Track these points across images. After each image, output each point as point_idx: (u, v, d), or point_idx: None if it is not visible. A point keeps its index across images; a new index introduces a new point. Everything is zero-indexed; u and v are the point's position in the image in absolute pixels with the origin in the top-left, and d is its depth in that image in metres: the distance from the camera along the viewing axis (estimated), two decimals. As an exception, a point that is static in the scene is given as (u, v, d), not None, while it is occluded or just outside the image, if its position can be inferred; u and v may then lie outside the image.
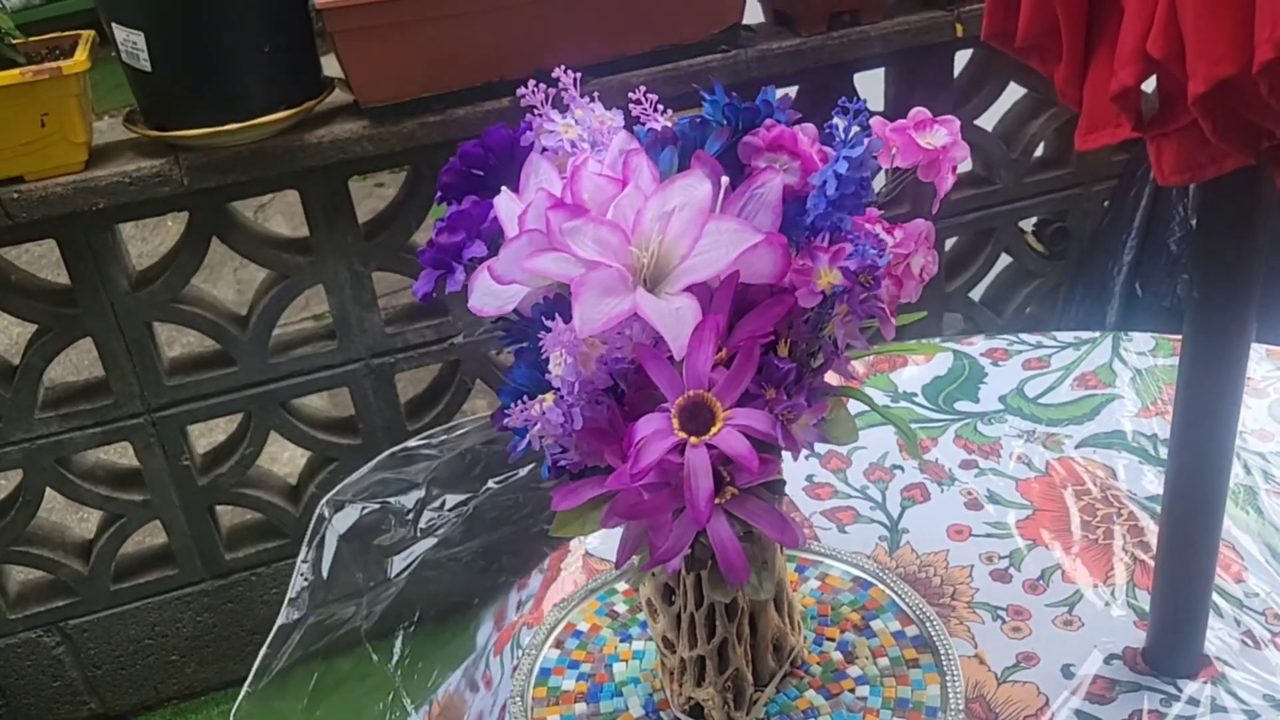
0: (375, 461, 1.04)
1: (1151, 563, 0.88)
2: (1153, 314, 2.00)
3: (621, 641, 0.90)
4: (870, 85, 1.93)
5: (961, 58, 1.98)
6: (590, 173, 0.65)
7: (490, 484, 1.02)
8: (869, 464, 1.06)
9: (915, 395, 1.15)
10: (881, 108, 1.99)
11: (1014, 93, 2.05)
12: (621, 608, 0.93)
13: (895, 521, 0.99)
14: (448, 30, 1.59)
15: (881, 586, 0.92)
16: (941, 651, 0.85)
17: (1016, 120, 2.06)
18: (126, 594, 1.91)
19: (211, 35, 1.51)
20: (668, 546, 0.62)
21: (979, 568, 0.93)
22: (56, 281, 1.77)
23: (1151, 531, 0.94)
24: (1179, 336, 0.77)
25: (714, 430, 0.59)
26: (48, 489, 1.80)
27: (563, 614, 0.93)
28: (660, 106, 0.72)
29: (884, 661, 0.85)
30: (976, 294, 2.19)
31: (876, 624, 0.88)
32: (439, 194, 0.75)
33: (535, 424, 0.63)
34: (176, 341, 2.60)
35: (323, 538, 0.96)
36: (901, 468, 1.05)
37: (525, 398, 0.64)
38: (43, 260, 3.15)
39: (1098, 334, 1.22)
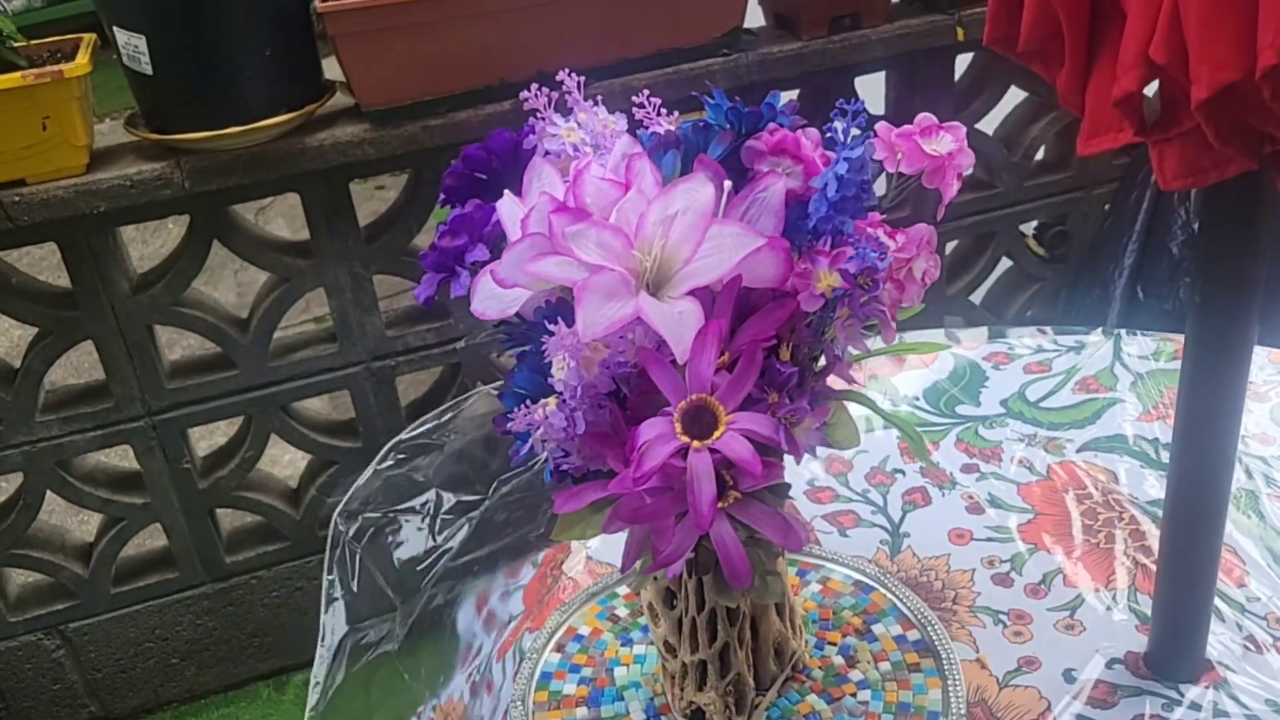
0: (377, 461, 1.04)
1: (1153, 567, 0.88)
2: (1154, 317, 2.00)
3: (623, 645, 0.90)
4: (871, 89, 1.93)
5: (962, 61, 1.98)
6: (593, 176, 0.65)
7: (499, 484, 1.02)
8: (870, 468, 1.06)
9: (916, 399, 1.15)
10: (882, 112, 1.99)
11: (1015, 96, 2.05)
12: (623, 612, 0.93)
13: (896, 525, 0.99)
14: (449, 33, 1.59)
15: (883, 591, 0.92)
16: (943, 656, 0.85)
17: (1017, 124, 2.07)
18: (127, 597, 1.91)
19: (213, 38, 1.51)
20: (670, 551, 0.62)
21: (980, 572, 0.93)
22: (57, 284, 1.77)
23: (1153, 536, 0.94)
24: (1180, 336, 0.77)
25: (716, 434, 0.59)
26: (48, 492, 1.80)
27: (564, 618, 0.93)
28: (663, 110, 0.72)
29: (885, 666, 0.85)
30: (977, 297, 2.19)
31: (878, 628, 0.88)
32: (442, 197, 0.75)
33: (538, 428, 0.63)
34: (177, 344, 2.60)
35: (344, 552, 0.96)
36: (903, 472, 1.05)
37: (528, 402, 0.64)
38: (43, 263, 3.15)
39: (1100, 332, 1.22)
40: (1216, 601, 0.83)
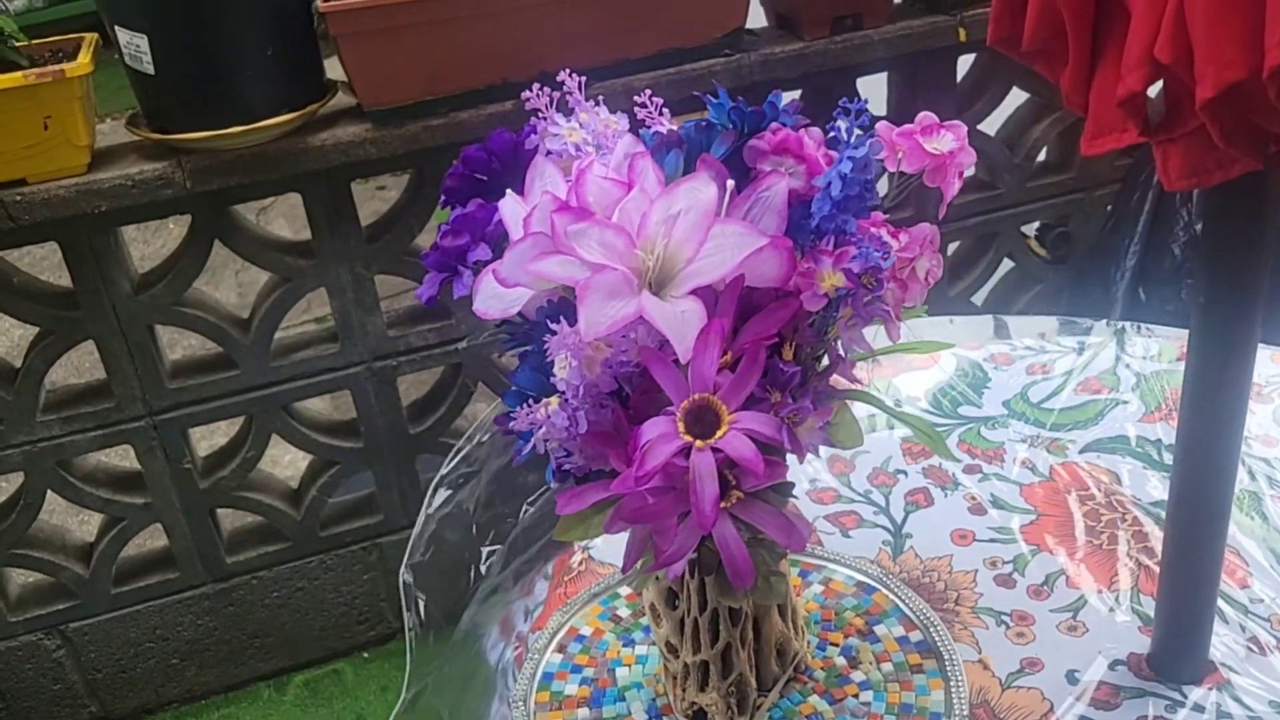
0: (425, 505, 1.04)
1: (1156, 568, 0.88)
2: (1156, 318, 1.99)
3: (624, 646, 0.90)
4: (873, 90, 1.93)
5: (964, 62, 1.98)
6: (595, 176, 0.65)
7: (526, 506, 1.03)
8: (872, 469, 1.06)
9: (919, 400, 1.15)
10: (884, 113, 1.98)
11: (1017, 97, 2.05)
12: (624, 612, 0.93)
13: (899, 526, 0.99)
14: (451, 33, 1.59)
15: (885, 591, 0.91)
16: (945, 657, 0.84)
17: (1019, 125, 2.06)
18: (127, 597, 1.91)
19: (214, 38, 1.51)
20: (673, 551, 0.62)
21: (983, 573, 0.93)
22: (58, 284, 1.77)
23: (1156, 537, 0.94)
24: (1183, 332, 0.77)
25: (719, 433, 0.59)
26: (49, 492, 1.80)
27: (565, 618, 0.93)
28: (665, 110, 0.72)
29: (888, 667, 0.84)
30: (979, 298, 2.19)
31: (880, 629, 0.88)
32: (443, 198, 0.75)
33: (540, 427, 0.63)
34: (178, 344, 2.60)
35: (415, 605, 0.96)
36: (905, 472, 1.05)
37: (530, 401, 0.63)
38: (44, 263, 3.15)
39: (1105, 322, 1.21)
40: (1219, 603, 0.82)
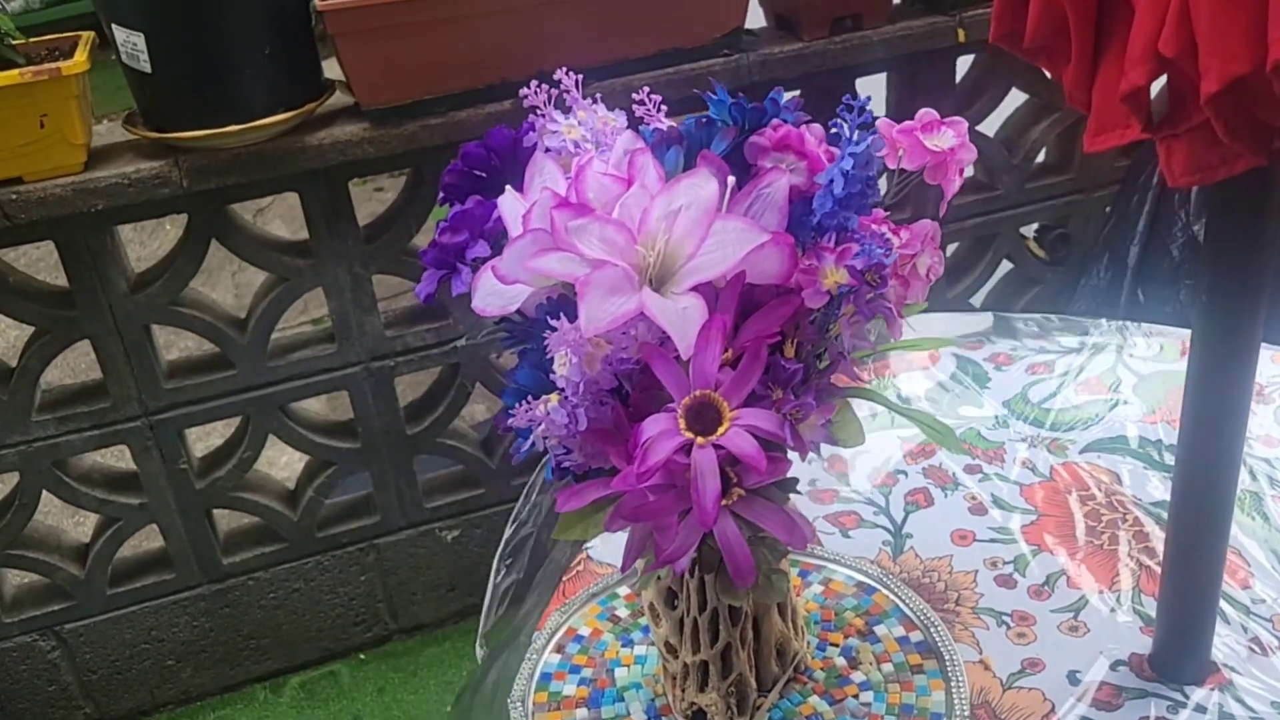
0: (493, 576, 1.04)
1: (1157, 569, 0.88)
2: (1155, 320, 1.99)
3: (623, 646, 0.89)
4: (872, 90, 1.93)
5: (963, 63, 1.98)
6: (595, 172, 0.65)
7: None
8: (872, 469, 1.06)
9: (919, 399, 1.14)
10: (883, 113, 1.98)
11: (1016, 98, 2.05)
12: (623, 612, 0.93)
13: (899, 526, 0.99)
14: (449, 33, 1.58)
15: (885, 592, 0.91)
16: (946, 657, 0.84)
17: (1018, 126, 2.06)
18: (123, 598, 1.90)
19: (212, 37, 1.51)
20: (674, 548, 0.61)
21: (983, 573, 0.93)
22: (54, 284, 1.76)
23: (1156, 537, 0.94)
24: (1184, 330, 0.76)
25: (721, 430, 0.58)
26: (44, 492, 1.79)
27: (564, 618, 0.93)
28: (664, 107, 0.72)
29: (888, 667, 0.84)
30: (978, 300, 2.19)
31: (880, 629, 0.87)
32: (441, 195, 0.75)
33: (539, 425, 0.63)
34: (175, 345, 2.60)
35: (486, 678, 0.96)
36: (905, 473, 1.05)
37: (529, 398, 0.63)
38: (41, 264, 3.14)
39: (1104, 322, 1.21)
40: (1221, 603, 0.82)
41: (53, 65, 1.48)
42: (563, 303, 0.64)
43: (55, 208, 1.55)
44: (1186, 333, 0.74)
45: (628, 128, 0.71)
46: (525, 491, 1.09)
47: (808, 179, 0.67)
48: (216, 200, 1.67)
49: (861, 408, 0.74)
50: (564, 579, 0.98)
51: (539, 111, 0.71)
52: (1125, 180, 2.06)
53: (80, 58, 1.52)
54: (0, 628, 1.85)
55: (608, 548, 0.99)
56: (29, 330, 1.74)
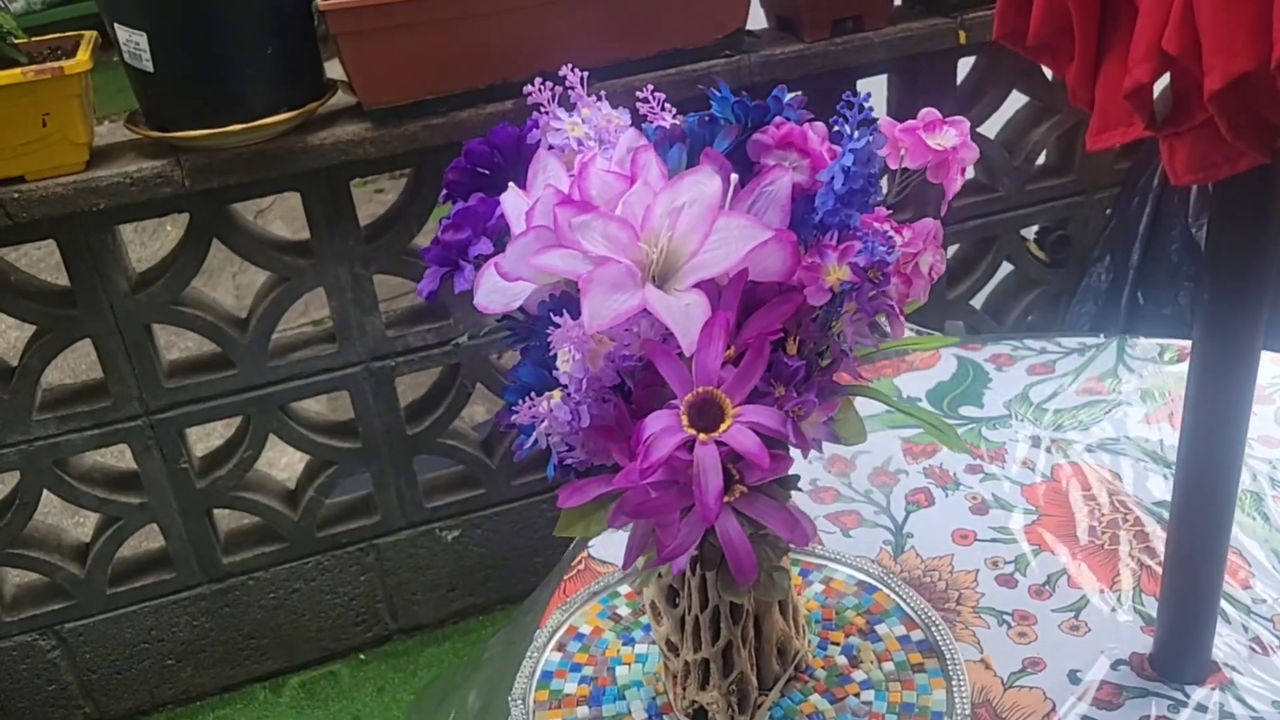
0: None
1: (1158, 569, 0.88)
2: (1155, 322, 2.00)
3: (624, 644, 0.89)
4: (873, 92, 1.93)
5: (964, 65, 1.98)
6: (598, 169, 0.65)
7: None
8: (873, 468, 1.06)
9: (920, 400, 1.14)
10: (884, 115, 1.98)
11: (1016, 100, 2.05)
12: (624, 610, 0.93)
13: (900, 526, 0.99)
14: (451, 32, 1.58)
15: (886, 591, 0.91)
16: (947, 656, 0.84)
17: (1019, 128, 2.06)
18: (123, 598, 1.90)
19: (214, 36, 1.51)
20: (675, 545, 0.61)
21: (984, 572, 0.93)
22: (56, 283, 1.76)
23: (1157, 537, 0.94)
24: (1186, 342, 0.77)
25: (723, 427, 0.58)
26: (45, 491, 1.79)
27: (565, 616, 0.93)
28: (666, 105, 0.72)
29: (889, 666, 0.84)
30: (978, 301, 2.19)
31: (881, 628, 0.87)
32: (444, 192, 0.75)
33: (542, 421, 0.63)
34: (175, 344, 2.60)
35: None
36: (906, 472, 1.05)
37: (532, 395, 0.63)
38: (42, 264, 3.14)
39: (1102, 338, 1.21)
40: (1222, 603, 0.82)
41: (55, 64, 1.48)
42: (565, 300, 0.64)
43: (57, 207, 1.55)
44: (1187, 344, 0.74)
45: (630, 126, 0.71)
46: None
47: (810, 177, 0.67)
48: (218, 200, 1.67)
49: (862, 407, 0.74)
50: (565, 577, 0.98)
51: (543, 109, 0.71)
52: (1126, 182, 2.07)
53: (83, 57, 1.52)
54: (0, 627, 1.85)
55: (609, 546, 0.99)
56: (30, 329, 1.74)
